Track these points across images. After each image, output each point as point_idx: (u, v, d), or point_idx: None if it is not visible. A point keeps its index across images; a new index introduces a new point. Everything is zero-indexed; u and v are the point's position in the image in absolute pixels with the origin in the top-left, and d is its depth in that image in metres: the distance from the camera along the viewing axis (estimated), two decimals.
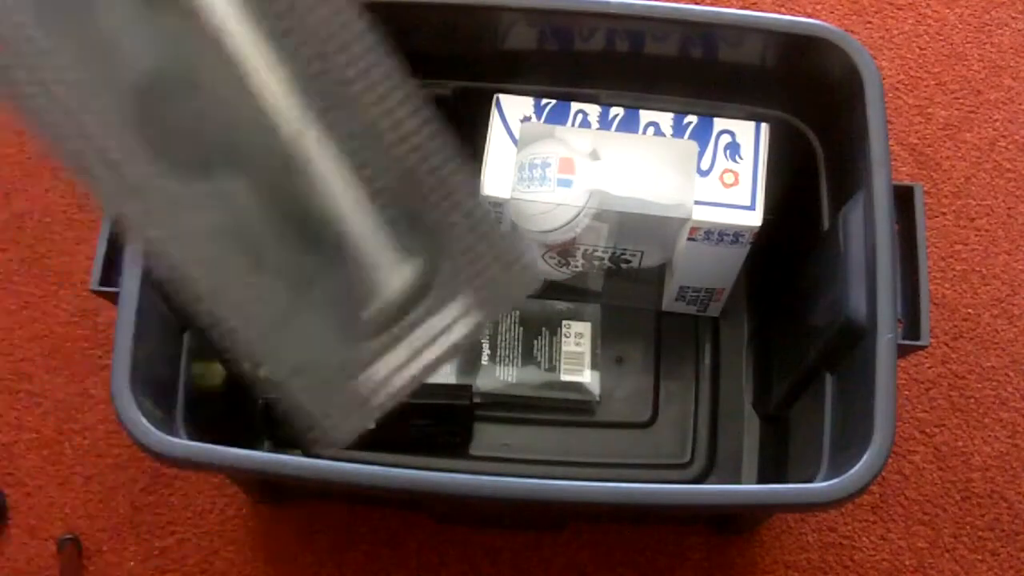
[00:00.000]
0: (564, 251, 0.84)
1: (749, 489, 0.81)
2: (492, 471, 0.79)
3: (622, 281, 0.89)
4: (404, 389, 0.34)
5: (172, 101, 0.31)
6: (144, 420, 0.67)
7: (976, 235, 1.01)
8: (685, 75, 0.82)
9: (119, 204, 0.31)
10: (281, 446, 0.89)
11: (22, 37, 0.29)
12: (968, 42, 1.08)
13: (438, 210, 0.33)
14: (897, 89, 1.06)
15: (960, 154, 1.04)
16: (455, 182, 0.34)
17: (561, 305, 0.92)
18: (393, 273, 0.32)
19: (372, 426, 0.34)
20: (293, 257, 0.32)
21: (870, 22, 1.09)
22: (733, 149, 0.80)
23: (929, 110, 1.05)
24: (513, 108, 0.81)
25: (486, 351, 0.90)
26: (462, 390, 0.89)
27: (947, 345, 0.97)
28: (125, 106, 0.31)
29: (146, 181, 0.31)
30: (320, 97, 0.32)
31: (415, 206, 0.33)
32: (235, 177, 0.32)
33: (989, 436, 0.94)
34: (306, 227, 0.32)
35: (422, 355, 0.34)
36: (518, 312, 0.91)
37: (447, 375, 0.90)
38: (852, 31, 1.04)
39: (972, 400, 0.95)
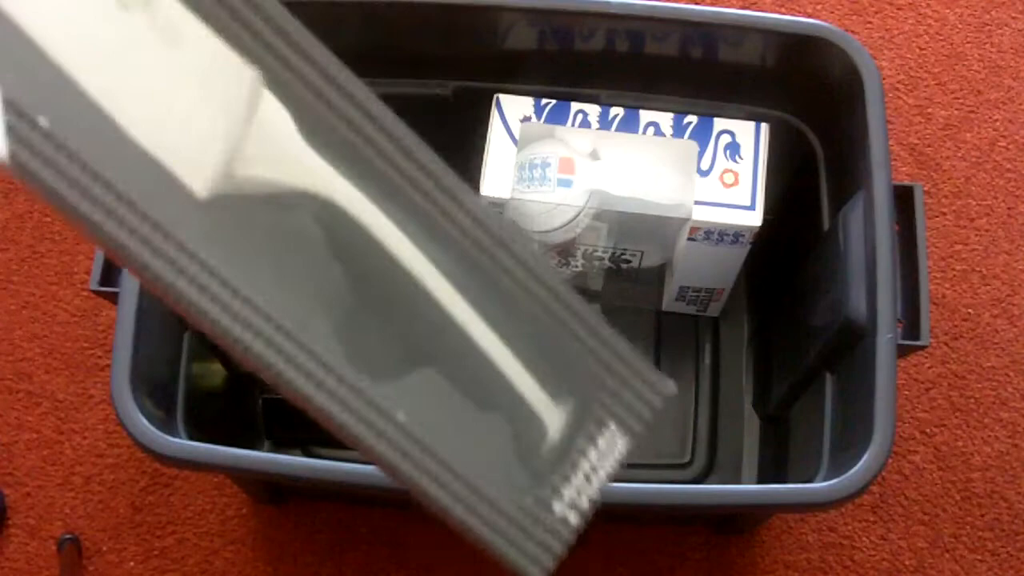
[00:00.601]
0: (564, 251, 0.84)
1: (749, 489, 0.80)
2: None
3: (622, 281, 0.88)
4: (588, 512, 0.39)
5: (364, 319, 0.35)
6: (144, 420, 0.67)
7: (976, 235, 1.01)
8: (685, 75, 0.82)
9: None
10: (281, 446, 0.89)
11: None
12: (968, 42, 1.08)
13: (575, 350, 0.39)
14: (897, 89, 1.06)
15: (960, 154, 1.04)
16: (586, 316, 0.39)
17: None
18: (553, 417, 0.38)
19: (566, 551, 0.39)
20: (479, 421, 0.37)
21: (870, 22, 1.09)
22: (733, 149, 0.80)
23: (929, 110, 1.05)
24: (513, 108, 0.81)
25: None
26: None
27: (947, 345, 0.97)
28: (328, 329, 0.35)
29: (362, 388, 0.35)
30: (473, 285, 0.37)
31: (556, 352, 0.38)
32: (421, 370, 0.36)
33: (989, 436, 0.94)
34: (482, 395, 0.37)
35: (593, 478, 0.39)
36: None
37: None
38: (852, 31, 1.04)
39: (972, 400, 0.95)
